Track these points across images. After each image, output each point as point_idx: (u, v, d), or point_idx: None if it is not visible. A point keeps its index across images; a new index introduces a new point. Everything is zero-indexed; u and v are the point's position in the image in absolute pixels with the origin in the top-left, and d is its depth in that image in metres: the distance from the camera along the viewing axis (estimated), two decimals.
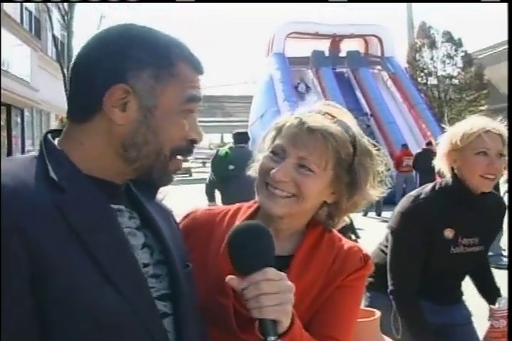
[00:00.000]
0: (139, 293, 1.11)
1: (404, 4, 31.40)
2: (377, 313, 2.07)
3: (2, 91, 13.95)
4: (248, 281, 1.17)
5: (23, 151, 16.82)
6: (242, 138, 7.51)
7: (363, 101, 22.59)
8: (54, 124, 21.41)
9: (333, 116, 1.48)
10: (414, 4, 30.78)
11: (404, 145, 16.69)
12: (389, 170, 1.58)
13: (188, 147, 1.20)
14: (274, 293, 1.17)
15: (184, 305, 1.22)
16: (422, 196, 2.61)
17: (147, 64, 1.13)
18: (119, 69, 1.12)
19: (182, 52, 1.18)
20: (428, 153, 14.85)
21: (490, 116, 2.65)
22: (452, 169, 2.57)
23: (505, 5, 16.71)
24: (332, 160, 1.44)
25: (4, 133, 16.07)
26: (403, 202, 2.65)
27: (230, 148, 7.51)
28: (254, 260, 1.19)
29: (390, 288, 2.59)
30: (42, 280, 0.99)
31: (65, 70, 18.16)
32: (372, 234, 6.91)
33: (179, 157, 1.20)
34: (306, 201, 1.44)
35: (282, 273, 1.21)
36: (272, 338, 1.17)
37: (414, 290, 2.59)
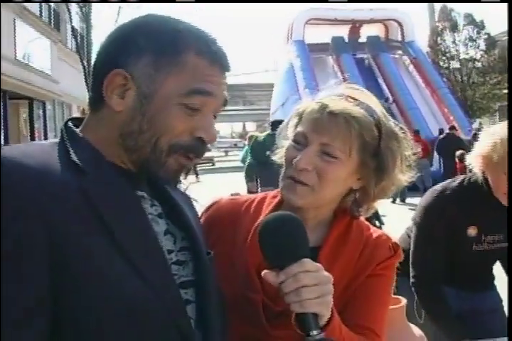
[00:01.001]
0: (163, 279, 1.08)
1: None
2: (403, 301, 2.04)
3: (23, 84, 14.05)
4: (286, 274, 1.12)
5: None
6: (279, 125, 7.85)
7: (384, 87, 22.41)
8: (76, 116, 21.56)
9: (355, 99, 1.42)
10: None
11: (416, 132, 16.37)
12: (415, 154, 1.52)
13: (194, 145, 1.13)
14: (313, 285, 1.12)
15: (208, 291, 1.19)
16: (448, 192, 2.53)
17: (147, 50, 1.09)
18: (118, 55, 1.10)
19: (196, 44, 1.11)
20: (451, 138, 14.79)
21: None
22: (483, 172, 2.47)
23: (505, 5, 16.45)
24: (356, 145, 1.38)
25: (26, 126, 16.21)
26: (428, 196, 2.58)
27: (268, 134, 8.04)
28: (289, 252, 1.14)
29: (412, 280, 2.55)
30: (63, 265, 0.96)
31: (85, 62, 18.29)
32: (396, 220, 6.86)
33: (184, 155, 1.13)
34: (326, 188, 1.39)
35: (318, 264, 1.16)
36: (315, 332, 1.12)
37: (436, 282, 2.54)
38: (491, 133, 2.42)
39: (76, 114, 21.47)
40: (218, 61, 1.14)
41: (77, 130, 1.14)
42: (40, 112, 17.63)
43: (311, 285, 1.12)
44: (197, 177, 22.83)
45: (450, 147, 13.75)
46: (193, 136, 1.12)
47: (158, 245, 1.10)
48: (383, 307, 1.47)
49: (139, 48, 1.09)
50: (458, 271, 2.61)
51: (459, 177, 2.61)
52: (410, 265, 2.55)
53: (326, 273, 1.16)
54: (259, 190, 8.18)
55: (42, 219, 0.95)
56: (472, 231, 2.51)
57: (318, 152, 1.38)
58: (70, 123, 1.16)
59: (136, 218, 1.08)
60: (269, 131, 8.24)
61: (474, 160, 2.47)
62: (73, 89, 19.63)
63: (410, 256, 2.56)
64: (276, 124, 7.95)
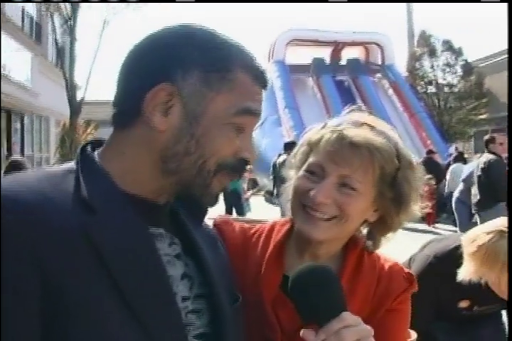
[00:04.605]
0: (172, 333, 0.97)
1: (405, 12, 31.49)
2: (414, 335, 2.01)
3: (1, 96, 13.92)
4: (327, 332, 1.04)
5: (22, 157, 16.77)
6: (290, 147, 9.40)
7: (363, 109, 22.56)
8: (54, 131, 21.38)
9: (372, 126, 1.35)
10: (414, 12, 30.84)
11: None
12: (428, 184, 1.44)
13: (238, 165, 1.06)
14: None
15: None
16: (441, 264, 2.41)
17: (197, 64, 1.00)
18: (164, 68, 1.00)
19: (243, 59, 1.05)
20: (430, 162, 14.86)
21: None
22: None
23: (505, 5, 16.78)
24: (377, 176, 1.31)
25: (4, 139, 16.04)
26: (420, 263, 2.48)
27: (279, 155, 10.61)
28: (327, 308, 1.06)
29: None
30: (58, 318, 0.86)
31: (67, 76, 18.20)
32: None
33: (228, 175, 1.06)
34: (349, 222, 1.31)
35: (357, 317, 1.08)
36: None
37: (429, 332, 2.46)
38: (475, 249, 2.25)
39: (54, 129, 21.28)
40: (261, 78, 1.08)
41: (96, 156, 1.04)
42: (18, 125, 17.44)
43: None
44: None
45: (429, 171, 13.81)
46: (237, 156, 1.05)
47: (170, 294, 0.99)
48: None
49: (188, 62, 1.00)
50: (445, 319, 2.56)
51: (456, 241, 2.43)
52: None
53: (366, 326, 1.09)
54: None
55: (36, 266, 0.85)
56: (464, 303, 2.44)
57: (337, 184, 1.30)
58: (88, 149, 1.05)
59: (148, 263, 0.97)
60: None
61: (469, 277, 2.29)
62: (53, 103, 19.47)
63: None
64: (287, 146, 10.19)
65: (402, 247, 3.86)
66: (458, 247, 2.37)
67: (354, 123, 1.35)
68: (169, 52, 1.00)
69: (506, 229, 2.19)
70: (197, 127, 1.00)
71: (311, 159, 1.36)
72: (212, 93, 1.01)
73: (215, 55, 1.02)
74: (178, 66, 1.00)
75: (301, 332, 1.07)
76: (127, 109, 1.03)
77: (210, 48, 1.02)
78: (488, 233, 2.22)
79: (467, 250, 2.27)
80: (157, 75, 0.99)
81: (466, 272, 2.27)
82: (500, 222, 2.27)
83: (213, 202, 1.10)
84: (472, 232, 2.32)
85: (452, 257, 2.34)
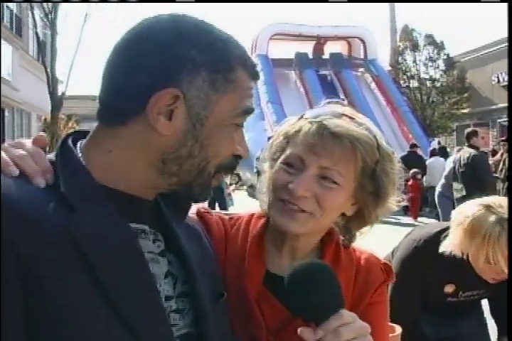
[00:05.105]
0: (158, 335, 0.94)
1: (387, 7, 31.59)
2: (398, 329, 2.01)
3: None
4: (325, 330, 1.02)
5: None
6: None
7: (346, 103, 22.64)
8: (35, 125, 21.21)
9: (352, 117, 1.31)
10: (397, 7, 30.97)
11: None
12: (401, 178, 1.41)
13: (234, 163, 1.06)
14: (353, 338, 1.03)
15: None
16: (425, 247, 2.41)
17: (203, 66, 0.96)
18: (170, 70, 0.95)
19: (240, 56, 1.01)
20: (413, 156, 14.95)
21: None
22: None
23: (505, 5, 16.92)
24: (358, 169, 1.27)
25: None
26: (405, 247, 2.48)
27: None
28: (325, 306, 1.04)
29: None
30: (39, 318, 0.83)
31: (49, 70, 18.05)
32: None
33: (224, 173, 1.06)
34: (326, 216, 1.28)
35: (354, 314, 1.07)
36: None
37: (413, 323, 2.46)
38: (461, 220, 2.27)
39: (36, 123, 21.11)
40: (255, 73, 1.05)
41: (78, 149, 1.00)
42: None
43: (352, 339, 1.03)
44: None
45: (412, 165, 13.88)
46: (233, 154, 1.05)
47: (155, 294, 0.97)
48: (386, 335, 1.41)
49: (194, 64, 0.96)
50: (431, 310, 2.57)
51: (439, 226, 2.48)
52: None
53: (363, 323, 1.07)
54: None
55: (18, 265, 0.82)
56: (449, 288, 2.44)
57: (316, 176, 1.26)
58: (69, 142, 1.01)
59: (131, 262, 0.94)
60: None
61: (451, 248, 2.30)
62: (34, 98, 19.30)
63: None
64: None
65: (386, 240, 3.88)
66: (442, 231, 2.40)
67: (333, 114, 1.31)
68: (171, 52, 0.96)
69: (494, 205, 2.23)
70: (201, 130, 0.98)
71: (288, 151, 1.31)
72: (217, 95, 0.98)
73: (218, 53, 0.98)
74: (184, 69, 0.96)
75: (299, 330, 1.04)
76: (124, 107, 0.97)
77: (212, 47, 0.98)
78: (476, 205, 2.27)
79: (454, 220, 2.32)
80: (162, 78, 0.95)
81: (449, 243, 2.30)
82: (490, 199, 2.31)
83: (208, 197, 1.09)
84: (462, 205, 2.38)
85: (437, 240, 2.37)
